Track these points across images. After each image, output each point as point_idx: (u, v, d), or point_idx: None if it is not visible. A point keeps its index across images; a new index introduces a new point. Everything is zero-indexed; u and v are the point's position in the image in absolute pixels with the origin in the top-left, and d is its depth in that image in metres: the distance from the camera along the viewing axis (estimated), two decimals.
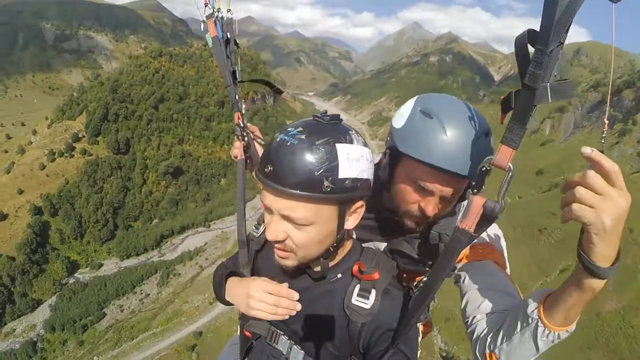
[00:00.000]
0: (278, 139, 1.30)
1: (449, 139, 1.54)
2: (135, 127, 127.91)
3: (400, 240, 1.78)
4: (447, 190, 1.63)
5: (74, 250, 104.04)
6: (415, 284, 1.54)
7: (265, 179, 1.30)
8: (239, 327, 1.92)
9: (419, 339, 1.80)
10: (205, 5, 2.09)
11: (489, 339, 1.54)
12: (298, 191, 1.24)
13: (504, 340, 1.45)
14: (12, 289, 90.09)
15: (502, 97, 1.24)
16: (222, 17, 2.11)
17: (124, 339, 79.80)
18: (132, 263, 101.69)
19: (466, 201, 1.24)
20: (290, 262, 1.44)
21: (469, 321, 1.69)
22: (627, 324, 59.75)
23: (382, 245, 1.87)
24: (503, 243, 1.94)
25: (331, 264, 1.54)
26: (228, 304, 1.77)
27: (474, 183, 1.21)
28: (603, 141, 1.02)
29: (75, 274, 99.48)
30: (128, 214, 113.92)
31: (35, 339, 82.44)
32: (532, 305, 1.37)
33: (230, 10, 2.11)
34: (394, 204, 1.78)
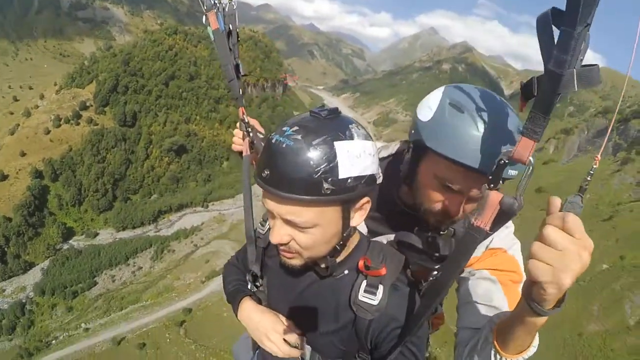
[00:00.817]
0: (274, 140, 1.23)
1: (483, 138, 1.44)
2: (144, 101, 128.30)
3: (409, 232, 1.67)
4: (476, 191, 1.55)
5: (70, 216, 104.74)
6: (425, 278, 1.54)
7: (264, 184, 1.25)
8: None
9: (430, 331, 1.78)
10: None
11: (462, 352, 1.54)
12: (297, 195, 1.18)
13: (470, 357, 1.46)
14: (5, 249, 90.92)
15: (521, 82, 1.12)
16: (223, 9, 2.05)
17: (113, 308, 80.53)
18: (127, 235, 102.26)
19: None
20: (296, 261, 1.41)
21: (457, 330, 1.67)
22: (608, 346, 60.53)
23: (390, 236, 1.78)
24: (517, 248, 1.79)
25: (338, 260, 1.49)
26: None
27: (490, 177, 1.14)
28: (589, 178, 0.95)
29: (70, 241, 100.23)
30: (128, 186, 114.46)
31: (24, 301, 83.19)
32: (489, 333, 1.35)
33: (232, 0, 2.05)
34: (415, 200, 1.70)
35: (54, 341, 74.87)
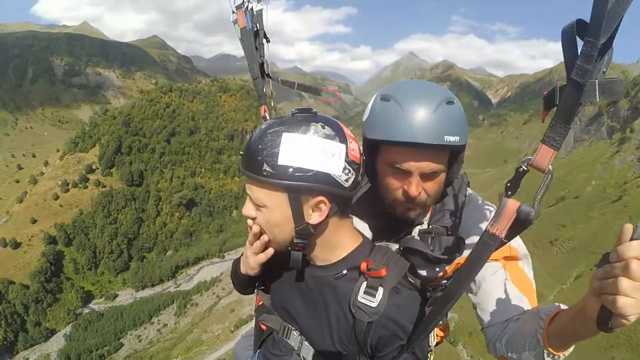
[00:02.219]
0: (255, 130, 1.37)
1: (407, 113, 1.52)
2: (149, 159, 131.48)
3: (412, 238, 1.72)
4: (424, 166, 1.57)
5: (88, 280, 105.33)
6: (433, 285, 1.54)
7: (240, 162, 1.41)
8: (254, 319, 1.94)
9: (434, 342, 1.80)
10: None
11: (500, 347, 1.56)
12: (245, 171, 1.33)
13: (515, 353, 1.48)
14: (25, 317, 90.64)
15: (544, 92, 1.14)
16: (251, 9, 2.11)
17: None
18: (147, 294, 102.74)
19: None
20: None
21: (482, 323, 1.69)
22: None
23: (394, 247, 1.79)
24: (519, 241, 1.78)
25: (335, 259, 1.52)
26: (244, 289, 1.85)
27: (508, 185, 1.19)
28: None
29: (90, 304, 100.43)
30: (142, 245, 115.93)
31: None
32: (539, 331, 1.37)
33: (261, 1, 2.11)
34: (383, 197, 1.72)
35: None
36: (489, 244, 1.18)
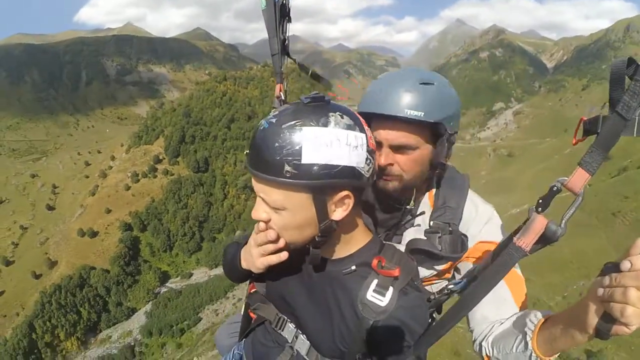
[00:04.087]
0: (259, 123, 1.27)
1: (374, 87, 1.69)
2: (212, 146, 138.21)
3: (417, 238, 1.73)
4: (391, 137, 1.66)
5: (164, 261, 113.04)
6: (439, 290, 1.58)
7: (245, 161, 1.32)
8: (243, 306, 1.90)
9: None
10: None
11: (486, 346, 1.59)
12: (262, 174, 1.21)
13: (501, 354, 1.50)
14: (107, 299, 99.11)
15: (583, 118, 1.15)
16: None
17: None
18: (220, 271, 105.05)
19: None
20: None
21: (470, 322, 1.73)
22: None
23: (399, 247, 1.77)
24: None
25: (345, 254, 1.46)
26: (240, 280, 1.76)
27: (540, 201, 1.19)
28: None
29: (167, 283, 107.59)
30: (213, 226, 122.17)
31: (132, 344, 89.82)
32: (529, 334, 1.39)
33: None
34: None
35: None
36: (513, 256, 1.20)
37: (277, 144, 1.16)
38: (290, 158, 1.15)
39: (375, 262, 1.41)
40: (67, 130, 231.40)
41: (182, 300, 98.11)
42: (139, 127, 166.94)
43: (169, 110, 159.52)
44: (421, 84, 1.62)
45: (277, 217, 1.30)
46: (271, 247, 1.40)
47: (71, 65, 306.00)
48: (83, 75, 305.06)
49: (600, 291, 1.03)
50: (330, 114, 1.21)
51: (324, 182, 1.19)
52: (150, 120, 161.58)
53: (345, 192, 1.26)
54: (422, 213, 1.85)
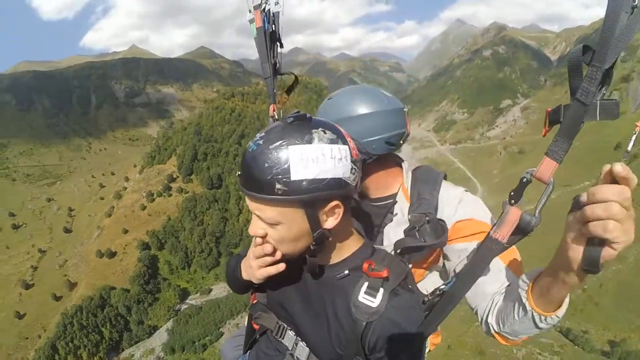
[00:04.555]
0: (247, 145, 1.35)
1: (329, 102, 2.04)
2: (224, 162, 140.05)
3: (403, 239, 1.75)
4: None
5: (182, 279, 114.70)
6: (432, 291, 1.56)
7: (238, 183, 1.38)
8: (247, 318, 1.96)
9: (427, 349, 1.91)
10: None
11: (492, 323, 1.61)
12: (255, 193, 1.28)
13: (506, 325, 1.53)
14: (128, 318, 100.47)
15: (548, 109, 1.21)
16: (269, 10, 2.23)
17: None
18: None
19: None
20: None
21: (469, 301, 1.76)
22: None
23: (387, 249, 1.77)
24: (486, 211, 1.89)
25: (337, 260, 1.54)
26: (242, 291, 1.86)
27: (512, 194, 1.24)
28: (629, 149, 0.90)
29: (187, 300, 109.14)
30: (229, 241, 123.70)
31: None
32: (523, 295, 1.40)
33: (278, 3, 2.24)
34: None
35: None
36: (491, 249, 1.26)
37: (266, 165, 1.23)
38: (280, 176, 1.23)
39: (365, 265, 1.47)
40: (79, 154, 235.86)
41: (202, 316, 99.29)
42: (151, 148, 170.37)
43: (180, 129, 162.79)
44: (328, 99, 2.02)
45: (273, 232, 1.38)
46: (269, 259, 1.49)
47: (80, 89, 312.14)
48: (92, 99, 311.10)
49: (575, 217, 1.04)
50: (314, 130, 1.28)
51: (314, 195, 1.26)
52: (161, 140, 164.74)
53: (334, 202, 1.33)
54: (396, 214, 1.99)
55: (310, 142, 1.26)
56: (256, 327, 1.83)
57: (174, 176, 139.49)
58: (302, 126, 1.30)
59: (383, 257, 1.56)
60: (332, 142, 1.30)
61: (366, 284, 1.47)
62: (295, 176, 1.24)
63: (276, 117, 2.36)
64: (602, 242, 1.00)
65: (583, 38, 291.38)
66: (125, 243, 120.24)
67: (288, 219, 1.34)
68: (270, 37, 2.26)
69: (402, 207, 1.98)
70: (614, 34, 0.96)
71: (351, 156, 1.33)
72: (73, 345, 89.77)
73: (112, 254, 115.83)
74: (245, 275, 1.73)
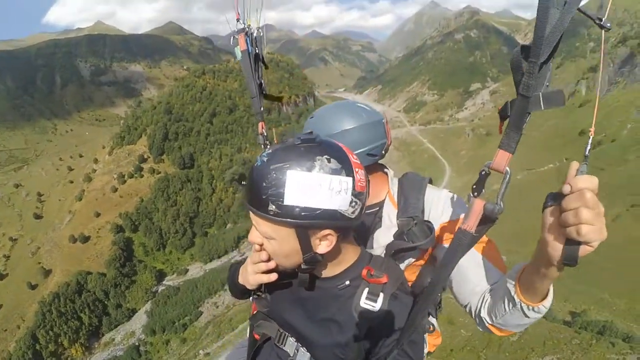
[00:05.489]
0: (255, 159, 1.41)
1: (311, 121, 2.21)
2: (196, 142, 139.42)
3: (393, 242, 1.89)
4: None
5: (158, 260, 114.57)
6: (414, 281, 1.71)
7: (242, 192, 1.49)
8: (248, 328, 2.02)
9: (426, 350, 1.94)
10: (237, 20, 2.36)
11: (485, 317, 1.70)
12: (251, 207, 1.38)
13: (499, 317, 1.62)
14: (106, 302, 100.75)
15: (499, 107, 1.30)
16: (252, 33, 2.36)
17: (225, 330, 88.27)
18: (216, 265, 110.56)
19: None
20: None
21: (460, 299, 1.87)
22: None
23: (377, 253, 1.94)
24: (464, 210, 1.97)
25: (337, 272, 1.61)
26: (241, 296, 2.01)
27: (474, 187, 1.33)
28: (589, 146, 1.00)
29: (164, 281, 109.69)
30: (203, 221, 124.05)
31: (137, 344, 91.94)
32: (512, 289, 1.50)
33: (260, 29, 2.38)
34: None
35: None
36: (461, 240, 1.33)
37: (264, 184, 1.30)
38: (274, 198, 1.30)
39: (364, 272, 1.57)
40: (45, 137, 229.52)
41: (181, 296, 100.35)
42: (119, 128, 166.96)
43: (150, 109, 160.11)
44: (383, 121, 2.17)
45: (268, 244, 1.49)
46: (263, 266, 1.60)
47: (45, 69, 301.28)
48: (57, 78, 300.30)
49: (553, 220, 1.14)
50: (318, 157, 1.31)
51: (305, 222, 1.33)
52: (131, 120, 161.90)
53: (327, 231, 1.40)
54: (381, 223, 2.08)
55: (310, 169, 1.29)
56: (257, 337, 1.87)
57: (145, 156, 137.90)
58: (308, 150, 1.33)
59: (380, 263, 1.64)
60: (334, 172, 1.31)
61: (367, 290, 1.54)
62: (288, 201, 1.28)
63: (265, 134, 2.52)
64: (579, 241, 1.10)
65: None
66: (98, 227, 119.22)
67: (280, 236, 1.40)
68: (254, 58, 2.39)
69: (389, 213, 2.08)
70: (545, 31, 1.04)
71: (353, 189, 1.35)
72: (53, 333, 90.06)
73: (86, 239, 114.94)
74: (240, 279, 1.83)
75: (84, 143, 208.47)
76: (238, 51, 2.35)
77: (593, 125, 1.12)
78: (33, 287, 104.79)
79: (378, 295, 1.53)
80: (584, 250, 1.12)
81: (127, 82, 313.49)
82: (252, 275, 1.69)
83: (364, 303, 1.53)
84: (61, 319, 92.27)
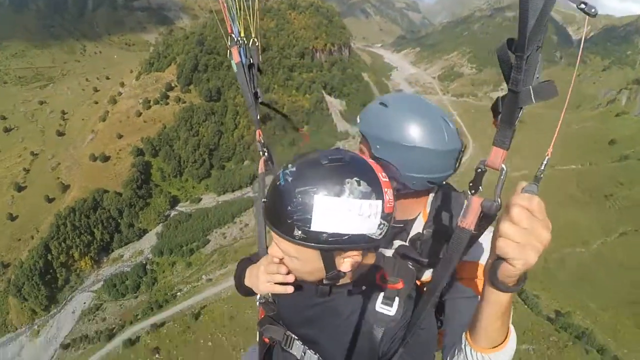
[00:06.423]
0: (278, 173, 1.39)
1: (385, 110, 2.04)
2: (225, 76, 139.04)
3: (405, 245, 1.93)
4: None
5: (174, 186, 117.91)
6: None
7: (262, 208, 1.47)
8: (257, 333, 2.01)
9: (435, 347, 1.90)
10: (230, 35, 2.45)
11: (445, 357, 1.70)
12: (274, 228, 1.36)
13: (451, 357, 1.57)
14: (119, 220, 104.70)
15: (491, 105, 1.31)
16: (245, 44, 2.45)
17: (229, 260, 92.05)
18: (229, 197, 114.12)
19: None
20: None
21: (446, 342, 1.83)
22: None
23: (387, 252, 1.95)
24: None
25: (354, 277, 1.62)
26: (246, 294, 1.99)
27: (471, 184, 1.29)
28: (542, 168, 1.10)
29: (177, 207, 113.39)
30: (222, 155, 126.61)
31: (144, 262, 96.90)
32: (463, 337, 1.47)
33: (254, 40, 2.45)
34: None
35: (179, 293, 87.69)
36: (461, 237, 1.30)
37: (289, 208, 1.29)
38: (300, 224, 1.29)
39: (379, 276, 1.61)
40: (73, 57, 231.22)
41: (191, 222, 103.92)
42: (149, 54, 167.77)
43: (182, 38, 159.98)
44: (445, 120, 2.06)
45: (289, 261, 1.50)
46: (280, 277, 1.59)
47: None
48: (89, 1, 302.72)
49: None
50: (347, 180, 1.30)
51: (332, 246, 1.33)
52: (161, 47, 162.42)
53: (354, 252, 1.42)
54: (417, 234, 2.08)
55: (339, 194, 1.27)
56: (267, 340, 1.93)
57: (172, 85, 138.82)
58: (336, 171, 1.31)
59: (393, 265, 1.68)
60: (364, 196, 1.30)
61: (382, 294, 1.59)
62: (315, 227, 1.28)
63: (262, 141, 2.54)
64: (503, 259, 1.11)
65: (609, 28, 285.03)
66: (119, 148, 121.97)
67: (305, 257, 1.42)
68: (249, 68, 2.48)
69: (418, 227, 2.10)
70: (528, 22, 1.02)
71: (382, 212, 1.35)
72: (65, 245, 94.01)
73: (106, 158, 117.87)
74: (247, 282, 1.87)
75: (112, 66, 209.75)
76: (233, 63, 2.48)
77: (551, 146, 1.10)
78: (50, 200, 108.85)
79: (393, 300, 1.55)
80: (504, 268, 1.11)
81: (160, 9, 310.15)
82: (264, 285, 1.68)
83: (380, 307, 1.54)
84: (74, 232, 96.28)
